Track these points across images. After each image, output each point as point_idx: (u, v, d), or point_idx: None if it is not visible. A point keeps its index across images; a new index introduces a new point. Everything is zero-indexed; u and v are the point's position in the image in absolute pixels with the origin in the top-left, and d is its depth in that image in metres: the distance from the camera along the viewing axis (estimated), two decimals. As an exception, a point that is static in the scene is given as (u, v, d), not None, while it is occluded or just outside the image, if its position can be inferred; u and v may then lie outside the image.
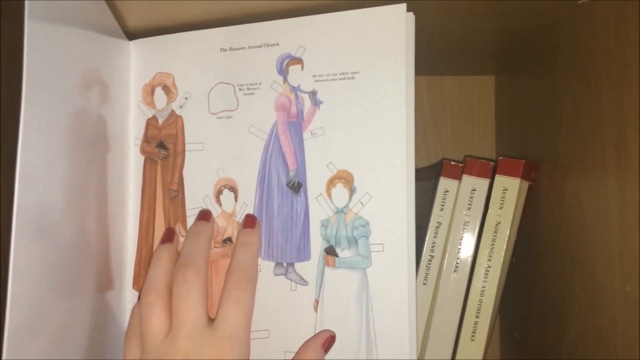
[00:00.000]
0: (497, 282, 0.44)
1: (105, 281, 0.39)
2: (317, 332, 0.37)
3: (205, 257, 0.36)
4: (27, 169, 0.30)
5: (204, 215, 0.38)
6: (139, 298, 0.39)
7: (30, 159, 0.30)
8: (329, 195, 0.37)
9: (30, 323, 0.30)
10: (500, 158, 0.45)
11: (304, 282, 0.37)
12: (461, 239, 0.45)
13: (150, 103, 0.41)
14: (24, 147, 0.30)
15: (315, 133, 0.37)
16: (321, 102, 0.37)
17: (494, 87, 0.60)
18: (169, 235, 0.38)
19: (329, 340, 0.35)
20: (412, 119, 0.36)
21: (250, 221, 0.37)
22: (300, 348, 0.36)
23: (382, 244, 0.36)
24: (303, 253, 0.37)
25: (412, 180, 0.36)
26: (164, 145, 0.40)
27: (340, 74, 0.37)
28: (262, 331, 0.38)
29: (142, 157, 0.41)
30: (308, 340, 0.36)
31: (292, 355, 0.37)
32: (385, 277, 0.36)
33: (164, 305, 0.34)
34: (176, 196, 0.40)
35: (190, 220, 0.40)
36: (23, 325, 0.29)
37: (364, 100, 0.36)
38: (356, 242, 0.36)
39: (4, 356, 0.28)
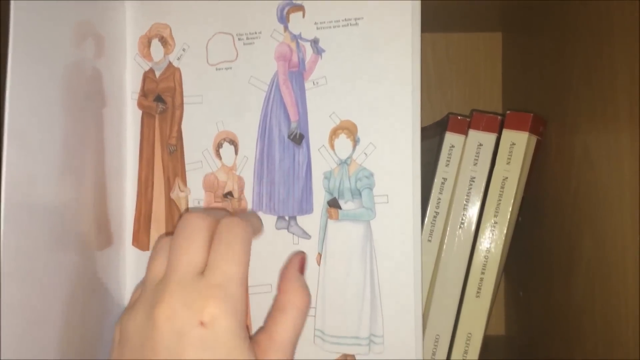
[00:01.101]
0: (504, 238, 0.43)
1: (104, 238, 0.38)
2: (319, 284, 0.36)
3: (216, 216, 0.32)
4: (18, 124, 0.29)
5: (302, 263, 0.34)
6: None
7: (21, 114, 0.29)
8: (332, 147, 0.36)
9: (26, 278, 0.30)
10: (508, 112, 0.43)
11: (306, 235, 0.36)
12: (467, 195, 0.44)
13: (147, 55, 0.39)
14: (13, 100, 0.29)
15: (317, 83, 0.36)
16: (323, 51, 0.36)
17: (501, 44, 0.58)
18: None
19: (303, 262, 0.33)
20: (418, 66, 0.35)
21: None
22: (280, 280, 0.32)
23: (387, 195, 0.35)
24: (305, 206, 0.36)
25: (417, 130, 0.35)
26: (161, 99, 0.39)
27: (343, 20, 0.36)
28: (264, 285, 0.37)
29: (140, 112, 0.40)
30: (284, 270, 0.32)
31: None
32: (390, 229, 0.35)
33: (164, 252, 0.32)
34: (175, 151, 0.39)
35: (190, 175, 0.39)
36: (17, 280, 0.29)
37: (368, 47, 0.35)
38: (360, 194, 0.35)
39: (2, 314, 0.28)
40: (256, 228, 0.35)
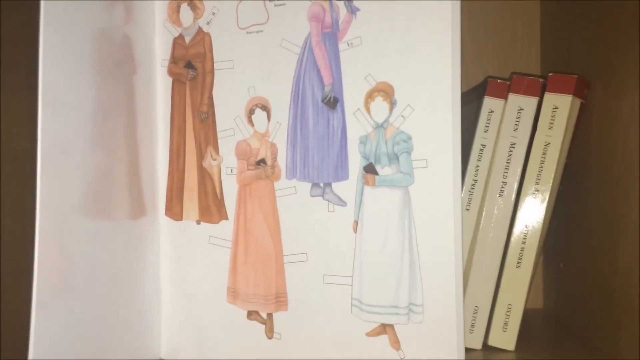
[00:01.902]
0: (546, 206, 0.41)
1: (137, 207, 0.38)
2: (356, 252, 0.35)
3: None
4: (51, 90, 0.28)
5: None
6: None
7: (53, 79, 0.29)
8: (368, 110, 0.34)
9: (62, 247, 0.29)
10: (551, 74, 0.41)
11: (342, 202, 0.35)
12: (507, 162, 0.42)
13: (176, 21, 0.38)
14: (46, 64, 0.28)
15: (351, 43, 0.35)
16: (358, 9, 0.34)
17: (540, 6, 0.56)
18: None
19: None
20: (457, 26, 0.33)
21: None
22: None
23: (426, 159, 0.33)
24: (341, 172, 0.35)
25: (457, 89, 0.33)
26: (192, 65, 0.38)
27: None
28: (300, 254, 0.36)
29: (170, 79, 0.39)
30: None
31: (331, 279, 0.36)
32: (429, 194, 0.33)
33: None
34: (206, 118, 0.38)
35: (222, 143, 0.38)
36: (53, 249, 0.29)
37: (405, 4, 0.33)
38: (397, 159, 0.34)
39: (35, 278, 0.27)
40: None
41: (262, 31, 0.36)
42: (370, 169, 0.35)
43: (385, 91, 0.34)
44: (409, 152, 0.34)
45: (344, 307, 0.36)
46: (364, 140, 0.35)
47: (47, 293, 0.28)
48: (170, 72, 0.39)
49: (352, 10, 0.35)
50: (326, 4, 0.35)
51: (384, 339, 0.35)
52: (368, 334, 0.35)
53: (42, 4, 0.28)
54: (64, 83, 0.30)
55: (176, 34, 0.39)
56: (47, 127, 0.28)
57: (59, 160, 0.29)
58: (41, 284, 0.27)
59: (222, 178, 0.38)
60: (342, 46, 0.35)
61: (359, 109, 0.35)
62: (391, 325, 0.35)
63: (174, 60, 0.39)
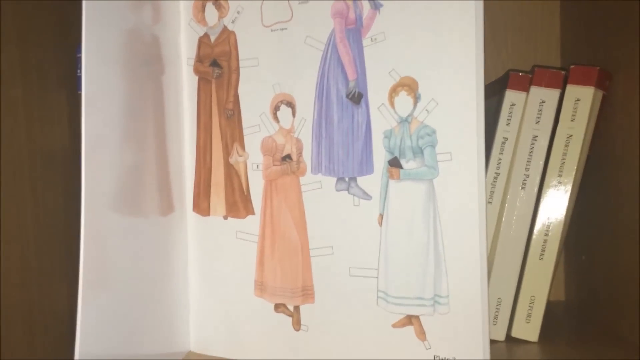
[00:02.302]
0: (568, 198, 0.41)
1: (166, 204, 0.38)
2: (381, 244, 0.36)
3: None
4: (91, 90, 0.29)
5: None
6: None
7: (92, 79, 0.29)
8: (392, 105, 0.35)
9: (102, 241, 0.30)
10: (573, 66, 0.41)
11: (367, 196, 0.36)
12: (529, 155, 0.42)
13: (202, 20, 0.39)
14: (88, 65, 0.29)
15: (375, 39, 0.35)
16: (381, 5, 0.35)
17: (559, 1, 0.55)
18: None
19: None
20: (481, 18, 0.33)
21: None
22: None
23: (450, 152, 0.34)
24: (366, 166, 0.36)
25: (481, 84, 0.33)
26: (217, 64, 0.39)
27: None
28: (326, 248, 0.37)
29: (196, 78, 0.40)
30: None
31: (357, 272, 0.37)
32: (454, 188, 0.34)
33: None
34: (232, 115, 0.39)
35: (248, 140, 0.39)
36: (95, 245, 0.29)
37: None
38: (422, 152, 0.34)
39: (81, 273, 0.28)
40: None
41: (286, 29, 0.37)
42: (394, 163, 0.35)
43: (409, 86, 0.34)
44: (433, 146, 0.34)
45: (370, 299, 0.36)
46: (388, 135, 0.35)
47: (90, 287, 0.29)
48: (196, 71, 0.39)
49: (376, 7, 0.35)
50: (350, 1, 0.36)
51: (409, 330, 0.35)
52: (394, 325, 0.36)
53: (84, 5, 0.29)
54: (99, 83, 0.31)
55: (201, 33, 0.39)
56: (88, 126, 0.29)
57: (97, 158, 0.30)
58: (86, 278, 0.28)
59: (248, 174, 0.39)
60: (365, 42, 0.35)
61: (383, 103, 0.35)
62: (417, 317, 0.35)
63: (199, 59, 0.39)
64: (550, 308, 0.51)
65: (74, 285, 0.29)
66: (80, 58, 0.40)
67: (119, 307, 0.32)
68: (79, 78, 0.42)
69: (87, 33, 0.29)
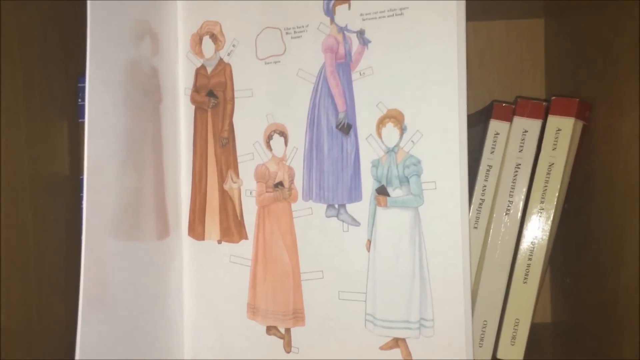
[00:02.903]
0: (551, 224, 0.43)
1: (162, 228, 0.40)
2: (369, 269, 0.37)
3: None
4: (94, 118, 0.31)
5: None
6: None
7: (95, 108, 0.31)
8: (379, 135, 0.37)
9: (102, 265, 0.32)
10: (553, 97, 0.43)
11: (355, 222, 0.37)
12: (513, 182, 0.44)
13: (199, 52, 0.41)
14: (92, 94, 0.31)
15: (364, 73, 0.37)
16: (369, 41, 0.37)
17: (544, 30, 0.58)
18: None
19: None
20: (464, 54, 0.35)
21: None
22: None
23: (435, 181, 0.35)
24: (354, 194, 0.37)
25: (464, 117, 0.35)
26: (213, 94, 0.41)
27: (388, 10, 0.36)
28: (316, 272, 0.38)
29: (193, 107, 0.41)
30: None
31: (346, 295, 0.38)
32: (438, 215, 0.35)
33: None
34: (227, 143, 0.40)
35: (242, 167, 0.40)
36: (94, 266, 0.31)
37: (413, 36, 0.36)
38: (408, 181, 0.36)
39: (81, 294, 0.30)
40: None
41: (279, 62, 0.39)
42: (382, 191, 0.37)
43: (395, 118, 0.36)
44: (418, 175, 0.36)
45: (359, 322, 0.37)
46: (376, 164, 0.37)
47: (89, 309, 0.30)
48: (193, 100, 0.41)
49: (364, 42, 0.37)
50: (340, 37, 0.38)
51: (396, 352, 0.37)
52: (381, 348, 0.37)
53: (89, 36, 0.31)
54: (101, 112, 0.32)
55: (198, 65, 0.41)
56: (91, 153, 0.31)
57: (98, 184, 0.31)
58: (85, 300, 0.30)
59: (242, 200, 0.40)
60: (354, 75, 0.37)
61: (371, 134, 0.37)
62: (403, 339, 0.37)
63: (196, 89, 0.41)
64: (537, 330, 0.53)
65: (73, 307, 0.30)
66: (82, 87, 0.42)
67: (116, 327, 0.33)
68: (81, 107, 0.43)
69: (91, 64, 0.30)
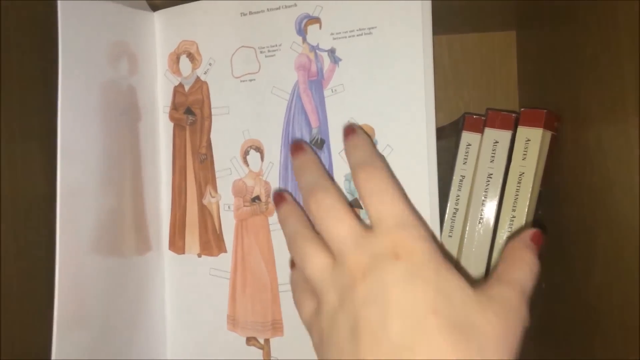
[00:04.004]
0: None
1: (143, 243, 0.41)
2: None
3: (326, 177, 0.32)
4: (67, 141, 0.32)
5: (298, 146, 0.35)
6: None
7: (69, 131, 0.33)
8: None
9: (78, 283, 0.33)
10: (522, 109, 0.45)
11: None
12: (485, 191, 0.46)
13: (176, 71, 0.43)
14: (64, 118, 0.32)
15: (335, 90, 0.39)
16: (340, 60, 0.39)
17: (516, 42, 0.60)
18: (280, 197, 0.35)
19: (537, 234, 0.32)
20: (430, 71, 0.37)
21: (349, 130, 0.34)
22: (505, 251, 0.31)
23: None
24: None
25: (432, 131, 0.37)
26: (191, 111, 0.42)
27: (357, 30, 0.38)
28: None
29: (172, 124, 0.43)
30: (511, 241, 0.32)
31: None
32: None
33: (317, 242, 0.31)
34: (205, 159, 0.42)
35: (220, 182, 0.42)
36: (70, 285, 0.32)
37: (382, 54, 0.38)
38: None
39: (55, 313, 0.31)
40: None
41: (254, 79, 0.41)
42: (355, 204, 0.38)
43: (366, 133, 0.38)
44: None
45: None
46: (349, 178, 0.38)
47: (65, 325, 0.31)
48: (172, 118, 0.43)
49: (335, 61, 0.39)
50: (312, 55, 0.39)
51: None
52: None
53: (61, 59, 0.32)
54: (77, 133, 0.34)
55: (176, 83, 0.43)
56: (64, 175, 0.32)
57: (74, 204, 0.33)
58: (60, 317, 0.31)
59: (220, 214, 0.42)
60: (327, 92, 0.39)
61: (344, 149, 0.39)
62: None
63: (174, 106, 0.43)
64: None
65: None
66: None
67: (96, 342, 0.35)
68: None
69: (63, 86, 0.32)
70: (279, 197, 0.35)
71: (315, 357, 0.39)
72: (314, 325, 0.30)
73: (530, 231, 0.31)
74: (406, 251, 0.27)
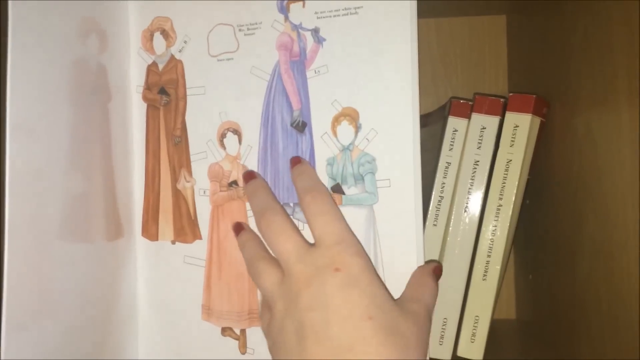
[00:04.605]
0: (509, 221, 0.44)
1: (114, 229, 0.40)
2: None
3: (274, 200, 0.37)
4: (20, 118, 0.31)
5: (250, 175, 0.39)
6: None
7: (24, 107, 0.31)
8: (335, 134, 0.38)
9: (34, 269, 0.32)
10: (511, 94, 0.45)
11: None
12: (472, 179, 0.45)
13: (150, 49, 0.41)
14: (13, 96, 0.30)
15: (319, 71, 0.38)
16: (324, 40, 0.38)
17: (506, 27, 0.59)
18: (239, 226, 0.39)
19: (439, 268, 0.37)
20: (416, 53, 0.36)
21: (295, 159, 0.38)
22: (412, 277, 0.36)
23: (389, 179, 0.36)
24: None
25: (417, 116, 0.36)
26: (165, 91, 0.41)
27: (343, 9, 0.37)
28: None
29: (145, 105, 0.42)
30: (417, 270, 0.37)
31: None
32: (393, 213, 0.36)
33: (269, 260, 0.35)
34: (180, 142, 0.41)
35: (195, 166, 0.41)
36: (26, 273, 0.31)
37: (368, 35, 0.37)
38: (362, 179, 0.37)
39: (4, 304, 0.29)
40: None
41: (232, 59, 0.39)
42: (337, 189, 0.37)
43: (350, 116, 0.37)
44: (373, 173, 0.37)
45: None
46: (331, 162, 0.38)
47: (19, 317, 0.30)
48: (145, 98, 0.41)
49: (319, 40, 0.38)
50: (294, 34, 0.38)
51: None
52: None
53: (10, 35, 0.31)
54: (36, 111, 0.32)
55: (150, 61, 0.41)
56: (16, 155, 0.30)
57: (31, 186, 0.31)
58: (11, 309, 0.29)
59: (195, 199, 0.41)
60: (309, 73, 0.38)
61: (326, 132, 0.38)
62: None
63: (148, 86, 0.41)
64: (501, 326, 0.55)
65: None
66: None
67: (59, 334, 0.34)
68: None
69: (12, 62, 0.30)
70: (238, 225, 0.39)
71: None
72: (267, 333, 0.34)
73: (433, 264, 0.37)
74: (344, 264, 0.32)
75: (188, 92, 0.40)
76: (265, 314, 0.35)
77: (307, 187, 0.35)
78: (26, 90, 0.31)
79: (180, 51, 0.41)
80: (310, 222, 0.34)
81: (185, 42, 0.40)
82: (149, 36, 0.41)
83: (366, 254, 0.33)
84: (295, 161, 0.38)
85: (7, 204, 0.30)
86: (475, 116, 0.45)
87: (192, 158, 0.41)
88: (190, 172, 0.41)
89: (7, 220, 0.30)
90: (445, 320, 0.45)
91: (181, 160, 0.41)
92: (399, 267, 0.36)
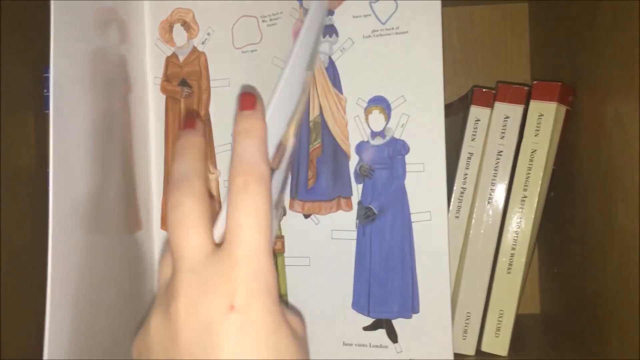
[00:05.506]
0: (534, 212, 0.45)
1: (134, 222, 0.41)
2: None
3: (198, 173, 0.28)
4: (59, 109, 0.32)
5: (189, 122, 0.30)
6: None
7: (60, 99, 0.32)
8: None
9: (70, 263, 0.33)
10: (535, 82, 0.45)
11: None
12: (495, 170, 0.46)
13: (169, 40, 0.42)
14: (56, 84, 0.31)
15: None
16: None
17: (528, 13, 0.60)
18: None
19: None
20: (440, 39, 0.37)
21: (247, 101, 0.29)
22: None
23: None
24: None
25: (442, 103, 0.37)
26: (186, 83, 0.42)
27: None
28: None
29: (163, 97, 0.43)
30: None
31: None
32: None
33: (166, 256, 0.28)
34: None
35: (220, 158, 0.42)
36: (63, 262, 0.32)
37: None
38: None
39: (49, 292, 0.31)
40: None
41: (256, 50, 0.40)
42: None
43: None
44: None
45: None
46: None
47: (59, 303, 0.31)
48: (164, 90, 0.42)
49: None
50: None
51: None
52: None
53: (53, 26, 0.31)
54: (67, 102, 0.33)
55: (169, 53, 0.42)
56: (56, 146, 0.31)
57: (65, 177, 0.32)
58: (54, 294, 0.31)
59: (220, 191, 0.42)
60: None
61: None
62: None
63: (167, 78, 0.42)
64: (525, 321, 0.55)
65: (42, 305, 0.31)
66: (47, 78, 0.43)
67: (88, 321, 0.35)
68: (46, 98, 0.44)
69: (55, 53, 0.31)
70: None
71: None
72: (140, 331, 0.28)
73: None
74: (245, 304, 0.25)
75: (212, 84, 0.42)
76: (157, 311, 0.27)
77: (244, 161, 0.27)
78: (62, 82, 0.32)
79: (203, 43, 0.42)
80: (228, 212, 0.26)
81: (208, 34, 0.41)
82: (168, 27, 0.42)
83: (275, 287, 0.25)
84: (247, 104, 0.29)
85: (51, 195, 0.31)
86: (498, 105, 0.46)
87: (216, 150, 0.42)
88: (214, 164, 0.42)
89: (51, 210, 0.31)
90: (468, 315, 0.46)
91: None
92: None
